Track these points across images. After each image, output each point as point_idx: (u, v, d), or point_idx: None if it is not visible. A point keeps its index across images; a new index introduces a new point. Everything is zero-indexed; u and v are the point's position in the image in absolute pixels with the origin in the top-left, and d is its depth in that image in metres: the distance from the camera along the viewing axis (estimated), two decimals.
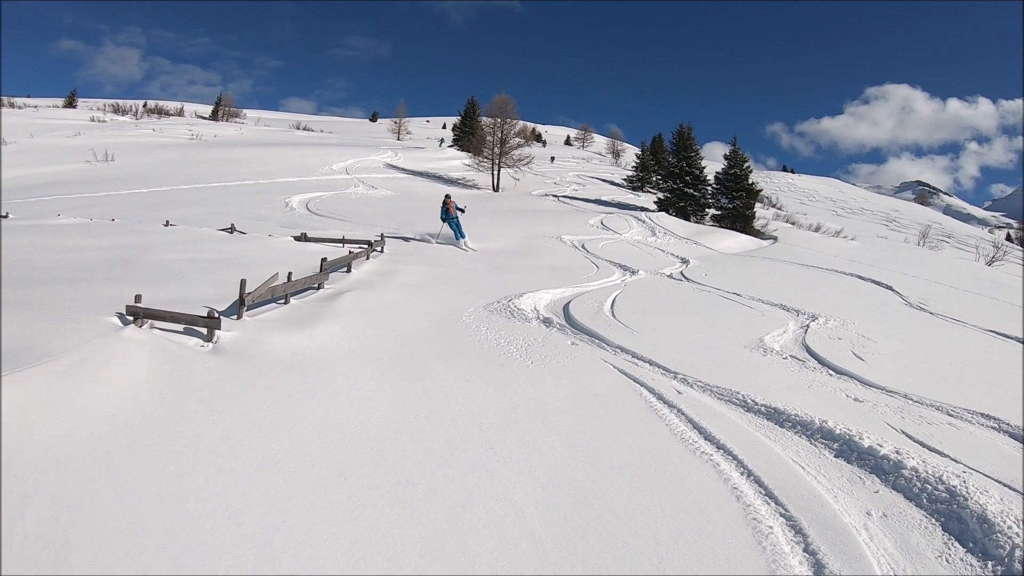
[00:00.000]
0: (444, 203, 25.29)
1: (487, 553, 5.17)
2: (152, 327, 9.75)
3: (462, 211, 25.50)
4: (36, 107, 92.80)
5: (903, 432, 8.10)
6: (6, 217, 24.41)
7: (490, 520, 5.60)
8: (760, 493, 6.28)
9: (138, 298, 9.96)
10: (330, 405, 8.00)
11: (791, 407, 8.55)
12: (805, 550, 5.36)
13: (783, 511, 5.94)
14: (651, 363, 10.49)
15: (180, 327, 9.91)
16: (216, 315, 9.95)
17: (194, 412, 7.33)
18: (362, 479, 6.21)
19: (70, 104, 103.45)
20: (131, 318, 9.72)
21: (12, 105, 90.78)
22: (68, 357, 7.86)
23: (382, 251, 20.93)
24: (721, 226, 42.82)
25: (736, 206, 44.47)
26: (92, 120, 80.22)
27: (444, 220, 25.15)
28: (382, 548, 5.13)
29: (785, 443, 7.60)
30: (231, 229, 22.81)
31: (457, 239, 24.46)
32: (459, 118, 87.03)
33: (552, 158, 69.34)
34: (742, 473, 6.70)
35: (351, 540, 5.19)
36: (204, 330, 9.84)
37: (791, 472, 6.75)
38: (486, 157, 54.28)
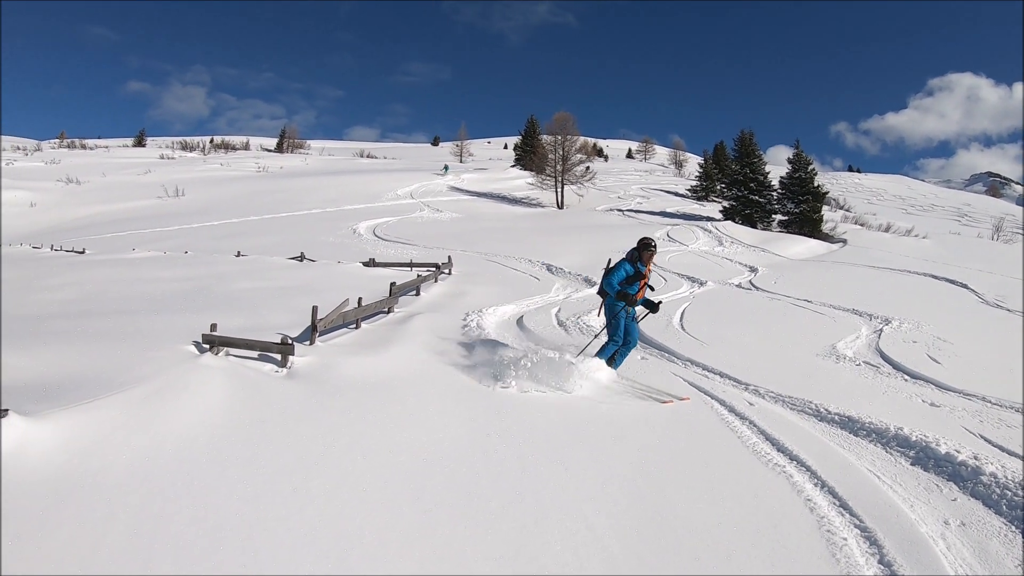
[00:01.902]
0: (619, 267, 10.85)
1: (560, 568, 5.18)
2: (228, 354, 10.00)
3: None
4: (107, 147, 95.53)
5: (981, 436, 7.93)
6: (83, 253, 25.14)
7: (563, 535, 5.62)
8: (834, 504, 6.18)
9: (213, 327, 10.21)
10: (403, 425, 8.10)
11: (865, 415, 8.41)
12: (880, 562, 5.24)
13: (858, 522, 5.83)
14: (722, 375, 10.42)
15: (255, 354, 10.14)
16: (290, 341, 10.15)
17: (270, 435, 7.48)
18: (435, 497, 6.27)
19: (140, 143, 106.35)
20: (207, 346, 9.98)
21: (84, 146, 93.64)
22: (148, 384, 8.10)
23: (450, 273, 21.10)
24: (788, 232, 42.35)
25: (803, 210, 43.91)
26: (161, 157, 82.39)
27: (612, 314, 10.79)
28: (456, 564, 5.18)
29: (860, 452, 7.48)
30: (301, 257, 23.23)
31: (614, 360, 10.77)
32: (520, 137, 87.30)
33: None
34: (816, 484, 6.61)
35: (425, 557, 5.25)
36: (278, 356, 10.04)
37: (866, 482, 6.63)
38: (549, 175, 54.34)
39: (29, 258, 25.32)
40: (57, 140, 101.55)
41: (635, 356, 11.50)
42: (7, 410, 6.44)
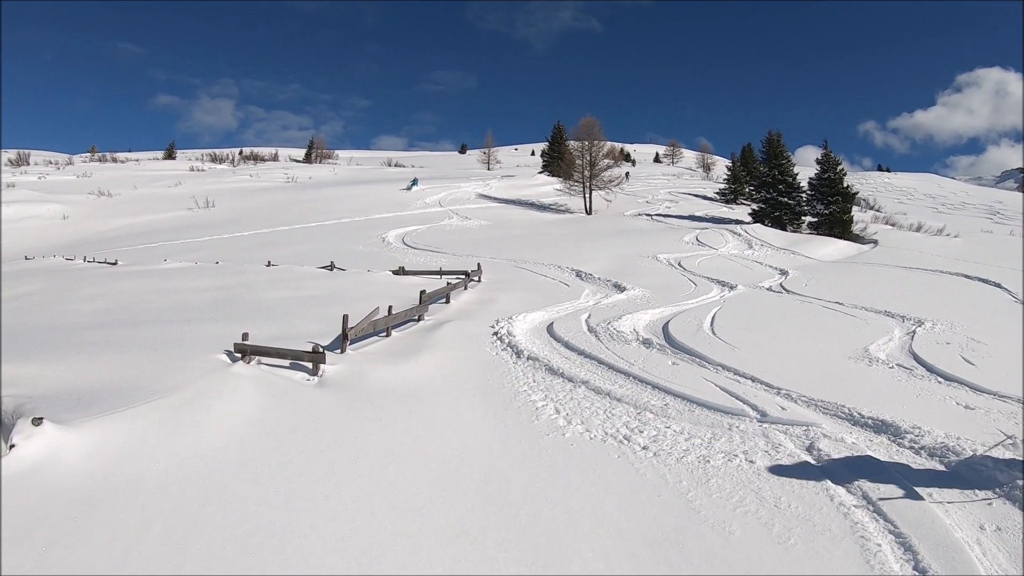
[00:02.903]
0: None
1: (591, 575, 5.19)
2: (259, 363, 10.09)
3: None
4: (138, 160, 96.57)
5: (1018, 439, 7.84)
6: (115, 264, 25.40)
7: (594, 542, 5.62)
8: (867, 509, 6.13)
9: (245, 336, 10.32)
10: (434, 432, 8.15)
11: (899, 418, 8.34)
12: (915, 568, 5.20)
13: (892, 527, 5.78)
14: (753, 379, 10.36)
15: (286, 362, 10.23)
16: (320, 350, 10.23)
17: (302, 443, 7.56)
18: (466, 504, 6.30)
19: (170, 156, 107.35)
20: (239, 355, 10.09)
21: (115, 160, 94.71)
22: (181, 392, 8.22)
23: (479, 280, 21.13)
24: (818, 233, 41.95)
25: (832, 211, 43.44)
26: (191, 169, 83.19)
27: None
28: (486, 571, 5.20)
29: (893, 456, 7.40)
30: (331, 266, 23.34)
31: None
32: (547, 143, 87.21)
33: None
34: (849, 489, 6.55)
35: (456, 563, 5.28)
36: (309, 364, 10.13)
37: (900, 486, 6.55)
38: (576, 181, 54.24)
39: (62, 269, 25.63)
40: (88, 154, 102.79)
41: (665, 362, 11.49)
42: (41, 418, 6.56)
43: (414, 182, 63.36)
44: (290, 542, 5.44)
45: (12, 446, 6.34)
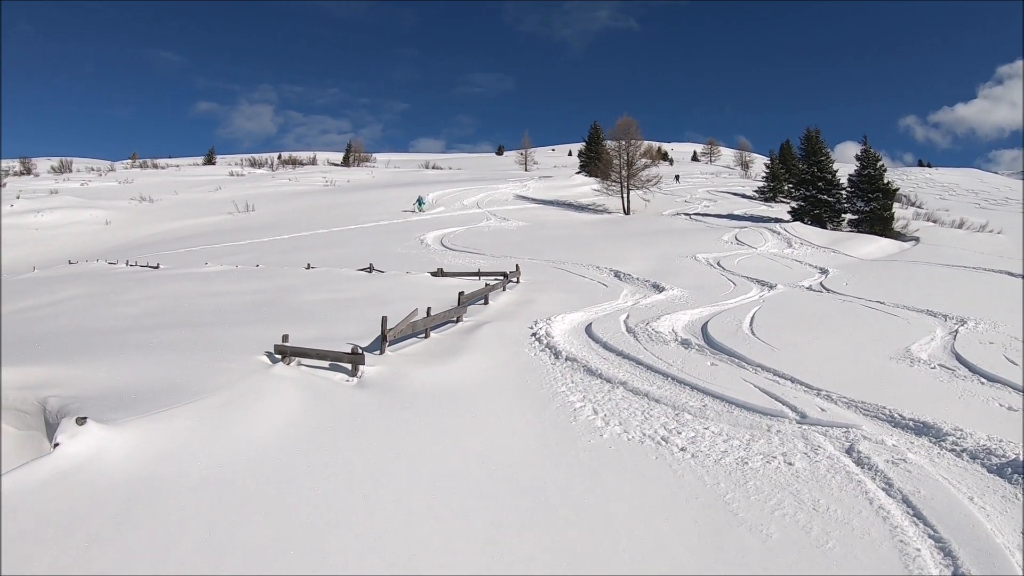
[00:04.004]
0: None
1: None
2: (300, 364, 10.21)
3: None
4: (178, 166, 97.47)
5: None
6: (157, 268, 25.73)
7: (632, 545, 5.63)
8: (908, 513, 6.07)
9: (285, 337, 10.44)
10: (472, 433, 8.20)
11: (941, 420, 8.24)
12: (955, 573, 5.15)
13: (932, 532, 5.72)
14: (793, 380, 10.28)
15: (326, 363, 10.35)
16: (360, 351, 10.33)
17: (341, 443, 7.65)
18: (504, 505, 6.34)
19: (209, 161, 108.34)
20: (280, 356, 10.21)
21: (156, 166, 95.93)
22: (224, 393, 8.36)
23: (518, 281, 21.15)
24: (859, 231, 41.51)
25: (873, 208, 42.95)
26: (231, 174, 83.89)
27: None
28: (523, 572, 5.23)
29: (935, 458, 7.33)
30: (370, 268, 23.46)
31: None
32: (584, 144, 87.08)
33: (676, 176, 66.69)
34: (888, 492, 6.50)
35: (493, 564, 5.32)
36: (349, 365, 10.24)
37: (941, 490, 6.50)
38: (614, 181, 54.06)
39: (105, 273, 25.95)
40: (129, 160, 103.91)
41: (704, 362, 11.45)
42: (85, 418, 6.70)
43: (420, 201, 50.27)
44: (329, 541, 5.51)
45: (57, 444, 6.47)
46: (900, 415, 8.53)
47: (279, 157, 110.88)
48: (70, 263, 32.10)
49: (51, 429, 7.55)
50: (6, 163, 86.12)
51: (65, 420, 6.86)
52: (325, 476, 6.76)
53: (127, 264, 28.72)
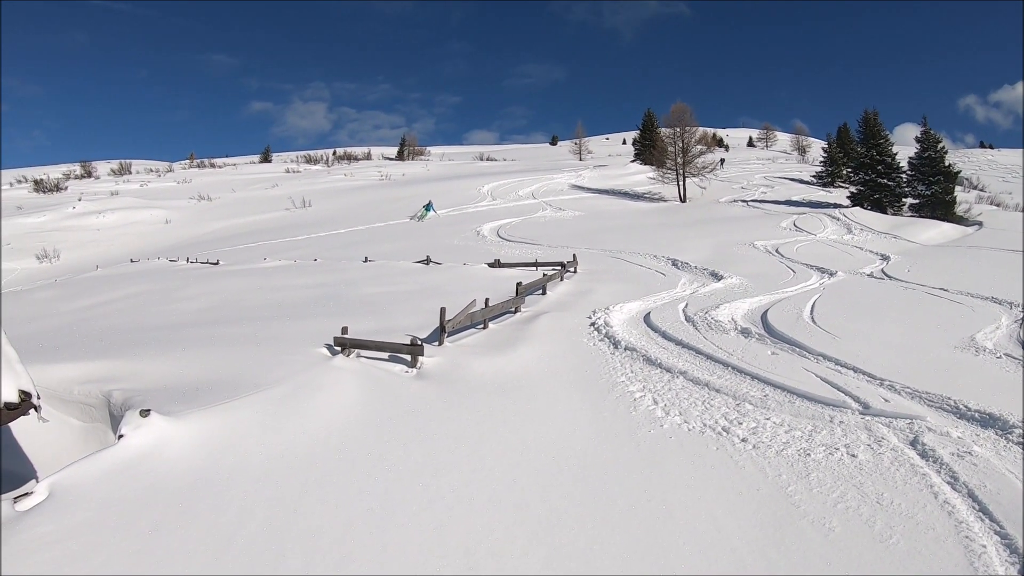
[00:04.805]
0: None
1: (688, 569, 5.23)
2: (359, 356, 10.36)
3: None
4: (235, 165, 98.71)
5: None
6: (217, 264, 26.13)
7: (691, 536, 5.64)
8: (973, 508, 5.98)
9: (344, 330, 10.57)
10: (532, 424, 8.25)
11: (1007, 411, 8.08)
12: (1022, 571, 5.06)
13: (998, 528, 5.62)
14: (855, 370, 10.15)
15: (385, 355, 10.49)
16: (419, 342, 10.44)
17: (401, 433, 7.75)
18: (563, 495, 6.38)
19: (265, 159, 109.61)
20: (339, 348, 10.37)
21: (213, 165, 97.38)
22: (284, 385, 8.51)
23: (575, 271, 21.16)
24: (920, 216, 40.70)
25: (934, 192, 42.05)
26: (287, 171, 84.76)
27: None
28: (582, 563, 5.27)
29: (1001, 452, 7.19)
30: (427, 261, 23.60)
31: None
32: (638, 132, 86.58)
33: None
34: (954, 486, 6.41)
35: (551, 554, 5.37)
36: (408, 357, 10.37)
37: (1007, 484, 6.37)
38: (669, 168, 53.65)
39: (166, 271, 26.46)
40: (187, 161, 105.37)
41: (765, 351, 11.36)
42: (149, 410, 6.89)
43: (428, 207, 44.17)
44: (388, 531, 5.60)
45: (121, 436, 6.64)
46: (965, 406, 8.38)
47: (334, 153, 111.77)
48: (132, 261, 32.75)
49: (115, 421, 7.76)
50: (67, 167, 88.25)
51: (129, 413, 7.05)
52: (384, 467, 6.86)
53: (187, 261, 29.21)
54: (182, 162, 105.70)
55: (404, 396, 9.01)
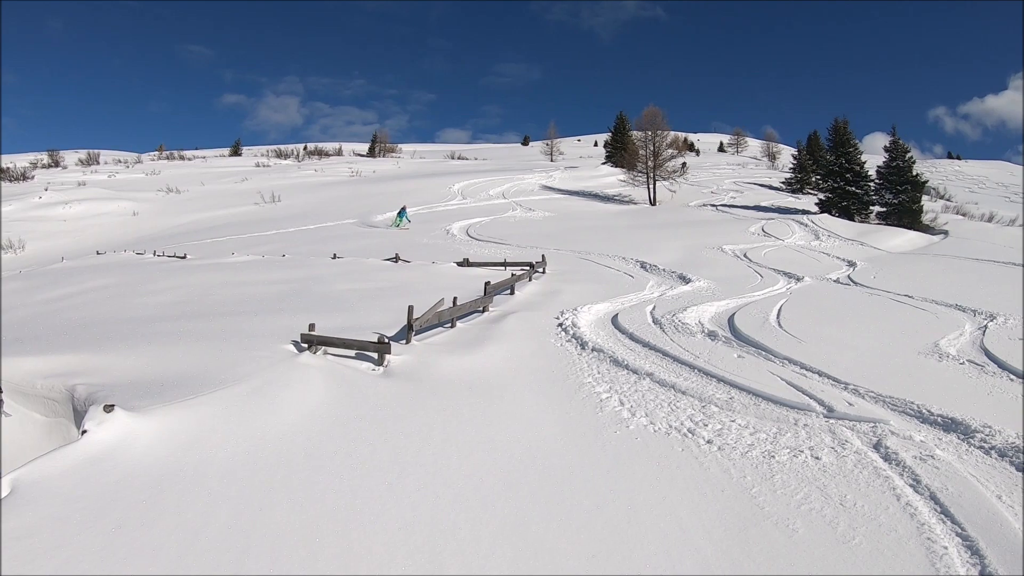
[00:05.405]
0: None
1: (652, 569, 5.23)
2: (326, 353, 10.31)
3: None
4: (204, 158, 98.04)
5: None
6: (184, 258, 25.95)
7: (655, 536, 5.65)
8: (935, 510, 6.03)
9: (312, 327, 10.53)
10: (498, 423, 8.25)
11: (969, 416, 8.17)
12: (982, 572, 5.13)
13: (959, 530, 5.68)
14: (820, 374, 10.23)
15: (352, 352, 10.46)
16: (386, 340, 10.41)
17: (367, 432, 7.72)
18: (530, 494, 6.38)
19: (236, 152, 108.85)
20: (306, 345, 10.31)
21: (182, 157, 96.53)
22: (250, 382, 8.45)
23: (544, 272, 21.20)
24: (887, 223, 41.13)
25: (901, 201, 42.54)
26: (257, 165, 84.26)
27: None
28: (547, 562, 5.27)
29: (963, 455, 7.27)
30: (396, 258, 23.55)
31: None
32: (610, 134, 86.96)
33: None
34: (916, 489, 6.47)
35: (517, 553, 5.36)
36: (375, 355, 10.33)
37: (969, 487, 6.45)
38: (640, 171, 53.89)
39: (133, 264, 26.15)
40: (156, 152, 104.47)
41: (731, 354, 11.43)
42: (113, 405, 6.82)
43: (402, 214, 39.29)
44: (354, 529, 5.57)
45: (84, 432, 6.56)
46: (928, 411, 8.47)
47: (305, 148, 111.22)
48: (98, 253, 32.33)
49: (79, 416, 7.68)
50: (35, 156, 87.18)
51: (93, 408, 6.97)
52: (351, 465, 6.82)
53: (154, 254, 28.92)
54: (151, 154, 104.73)
55: (371, 394, 8.97)
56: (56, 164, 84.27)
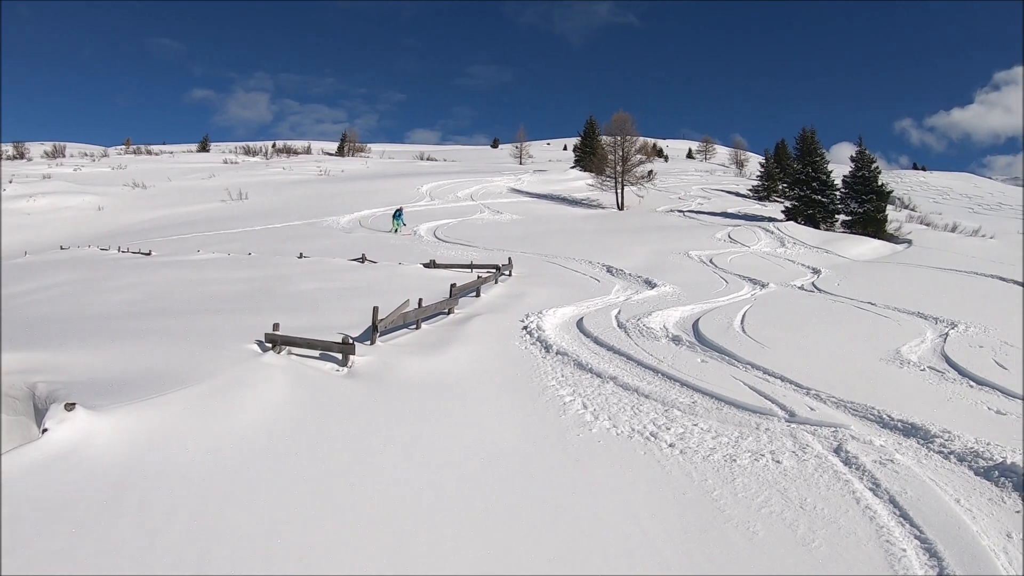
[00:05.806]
0: None
1: (613, 569, 5.23)
2: (290, 353, 10.21)
3: None
4: (172, 153, 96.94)
5: None
6: (149, 255, 25.68)
7: (617, 538, 5.65)
8: (894, 514, 6.09)
9: (276, 326, 10.42)
10: (461, 425, 8.23)
11: (929, 422, 8.27)
12: (940, 574, 5.18)
13: (918, 533, 5.74)
14: (783, 379, 10.31)
15: (316, 353, 10.37)
16: (350, 341, 10.32)
17: (330, 433, 7.66)
18: (492, 496, 6.36)
19: (203, 148, 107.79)
20: (270, 345, 10.21)
21: (149, 152, 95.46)
22: (212, 381, 8.34)
23: (510, 274, 21.21)
24: (852, 232, 41.63)
25: (866, 210, 43.07)
26: (225, 162, 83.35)
27: None
28: (511, 564, 5.24)
29: (922, 460, 7.35)
30: (362, 258, 23.45)
31: None
32: (579, 138, 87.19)
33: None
34: (875, 492, 6.52)
35: (480, 556, 5.33)
36: (339, 355, 10.26)
37: (927, 491, 6.51)
38: (609, 176, 54.10)
39: (97, 260, 25.81)
40: (123, 147, 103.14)
41: (694, 359, 11.47)
42: (74, 404, 6.70)
43: (398, 216, 38.22)
44: (316, 531, 5.50)
45: (45, 430, 6.46)
46: (889, 416, 8.55)
47: (273, 145, 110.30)
48: (61, 248, 31.88)
49: (39, 415, 7.54)
50: None
51: (54, 406, 6.85)
52: (313, 465, 6.76)
53: (119, 250, 28.56)
54: (118, 148, 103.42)
55: (335, 395, 8.90)
56: (21, 156, 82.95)
